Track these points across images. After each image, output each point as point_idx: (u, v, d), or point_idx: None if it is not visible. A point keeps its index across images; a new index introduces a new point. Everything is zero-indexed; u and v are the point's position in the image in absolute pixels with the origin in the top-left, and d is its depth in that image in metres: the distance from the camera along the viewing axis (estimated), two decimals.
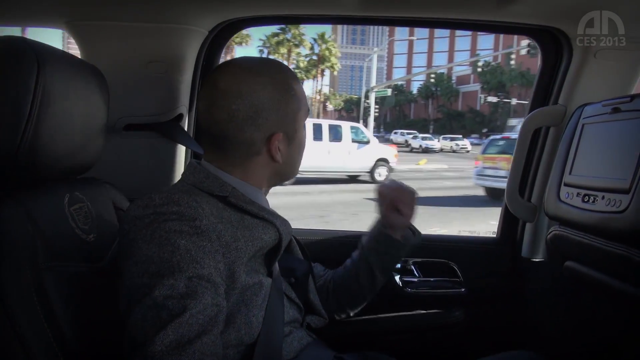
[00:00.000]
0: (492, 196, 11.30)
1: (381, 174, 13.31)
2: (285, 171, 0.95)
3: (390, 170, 13.52)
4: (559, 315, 1.36)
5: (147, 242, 0.74)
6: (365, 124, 23.36)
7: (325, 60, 44.84)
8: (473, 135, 46.81)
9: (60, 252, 0.79)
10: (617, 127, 1.02)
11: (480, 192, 11.53)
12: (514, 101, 42.06)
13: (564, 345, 1.36)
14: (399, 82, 77.34)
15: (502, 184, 8.72)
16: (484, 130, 48.50)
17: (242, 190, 0.89)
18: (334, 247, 1.51)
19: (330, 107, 69.54)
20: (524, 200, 1.50)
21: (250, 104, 0.85)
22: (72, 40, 1.29)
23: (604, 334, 1.17)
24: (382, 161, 13.43)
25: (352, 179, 13.31)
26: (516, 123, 13.68)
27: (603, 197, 0.98)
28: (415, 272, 1.51)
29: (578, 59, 1.35)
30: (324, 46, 45.40)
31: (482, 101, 47.82)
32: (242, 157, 0.89)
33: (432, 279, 1.50)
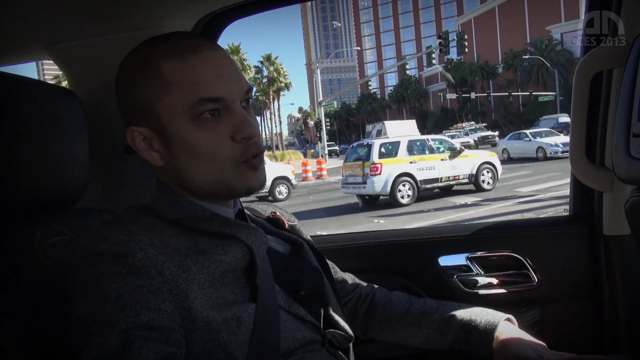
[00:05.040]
0: (364, 201, 11.67)
1: (282, 192, 13.61)
2: None
3: (291, 186, 13.82)
4: None
5: (78, 295, 0.64)
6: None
7: (275, 82, 45.42)
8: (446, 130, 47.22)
9: (26, 290, 0.73)
10: None
11: (356, 200, 11.80)
12: (472, 95, 42.42)
13: None
14: (372, 90, 77.82)
15: (362, 190, 9.01)
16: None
17: (202, 203, 0.77)
18: (367, 252, 1.35)
19: (311, 122, 70.28)
20: (595, 164, 1.20)
21: None
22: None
23: None
24: (281, 179, 13.72)
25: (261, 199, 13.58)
26: (370, 128, 13.31)
27: None
28: (472, 269, 1.32)
29: None
30: (271, 68, 46.33)
31: (441, 100, 48.25)
32: None
33: (495, 275, 1.32)
